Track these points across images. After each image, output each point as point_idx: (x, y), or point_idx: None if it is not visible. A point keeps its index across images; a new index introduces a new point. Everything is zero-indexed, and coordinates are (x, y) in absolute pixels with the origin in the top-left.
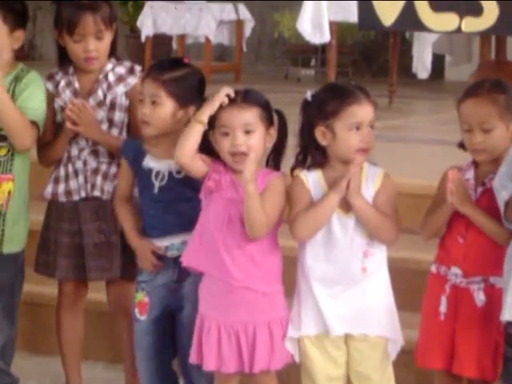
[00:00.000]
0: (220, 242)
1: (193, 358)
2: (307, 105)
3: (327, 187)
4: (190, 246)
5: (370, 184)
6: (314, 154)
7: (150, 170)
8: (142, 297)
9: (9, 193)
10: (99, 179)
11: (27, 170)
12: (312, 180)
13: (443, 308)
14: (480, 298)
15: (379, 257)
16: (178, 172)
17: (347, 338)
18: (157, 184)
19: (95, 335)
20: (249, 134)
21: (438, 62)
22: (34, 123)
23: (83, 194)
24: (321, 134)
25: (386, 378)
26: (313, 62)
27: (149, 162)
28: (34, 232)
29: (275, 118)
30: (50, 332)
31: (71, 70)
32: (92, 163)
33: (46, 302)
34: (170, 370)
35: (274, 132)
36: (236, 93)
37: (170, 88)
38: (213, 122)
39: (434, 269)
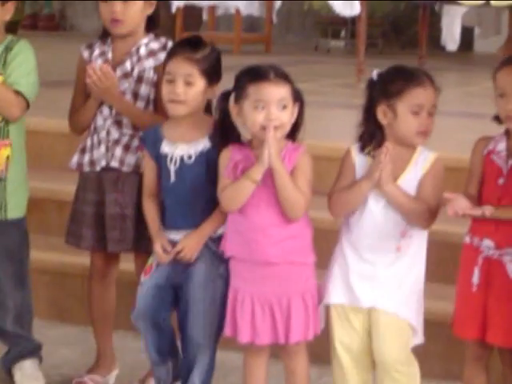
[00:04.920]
0: (257, 225)
1: (227, 331)
2: (372, 83)
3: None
4: (226, 236)
5: (418, 167)
6: (373, 132)
7: (165, 156)
8: (151, 261)
9: (7, 158)
10: (119, 150)
11: (23, 137)
12: (360, 155)
13: (476, 279)
14: None
15: (417, 240)
16: (189, 157)
17: (371, 312)
18: (172, 169)
19: (126, 305)
20: (283, 110)
21: (466, 34)
22: (19, 93)
23: (103, 163)
24: (382, 113)
25: (412, 374)
26: (343, 34)
27: (164, 148)
28: (67, 203)
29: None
30: (82, 302)
31: (109, 40)
32: (114, 133)
33: (78, 272)
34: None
35: (296, 110)
36: (265, 69)
37: (203, 66)
38: (240, 93)
39: (467, 239)
